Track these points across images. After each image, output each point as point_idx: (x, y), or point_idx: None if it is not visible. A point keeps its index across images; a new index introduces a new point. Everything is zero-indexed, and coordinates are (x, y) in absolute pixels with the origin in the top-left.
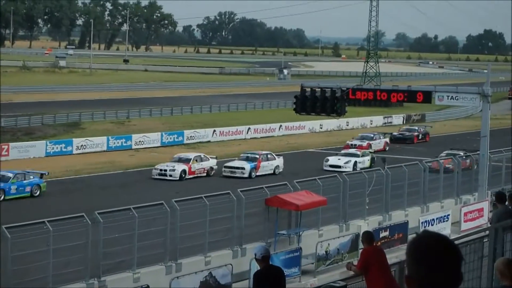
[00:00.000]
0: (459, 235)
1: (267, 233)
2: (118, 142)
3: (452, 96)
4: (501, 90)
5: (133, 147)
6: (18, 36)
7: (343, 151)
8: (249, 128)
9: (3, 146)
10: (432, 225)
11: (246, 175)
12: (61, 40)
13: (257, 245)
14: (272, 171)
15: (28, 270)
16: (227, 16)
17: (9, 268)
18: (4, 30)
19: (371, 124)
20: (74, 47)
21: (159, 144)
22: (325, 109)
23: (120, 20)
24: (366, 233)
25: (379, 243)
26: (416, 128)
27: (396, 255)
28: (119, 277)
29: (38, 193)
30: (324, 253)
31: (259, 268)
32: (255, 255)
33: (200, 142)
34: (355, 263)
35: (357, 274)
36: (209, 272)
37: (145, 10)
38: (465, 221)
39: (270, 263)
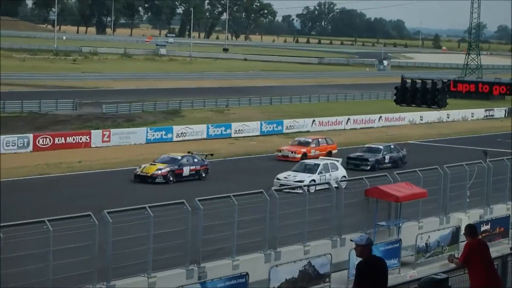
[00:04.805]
0: None
1: (367, 223)
2: (217, 130)
3: None
4: None
5: (233, 135)
6: (119, 24)
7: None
8: (348, 119)
9: (104, 132)
10: None
11: None
12: (161, 28)
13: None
14: None
15: (128, 254)
16: (326, 6)
17: (109, 253)
18: (106, 18)
19: (472, 116)
20: (174, 35)
21: (258, 133)
22: (426, 100)
23: (219, 9)
24: (469, 226)
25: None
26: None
27: (497, 249)
28: (218, 264)
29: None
30: (424, 245)
31: (355, 256)
32: (359, 240)
33: (299, 132)
34: (457, 255)
35: (459, 267)
36: (308, 261)
37: (245, 0)
38: None
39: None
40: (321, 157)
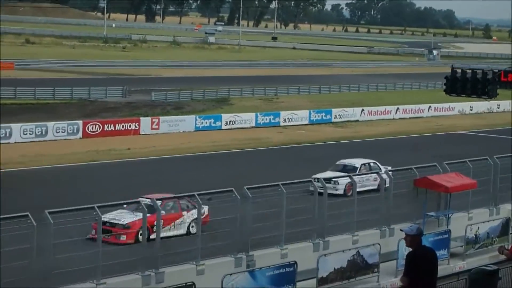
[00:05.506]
0: None
1: (415, 214)
2: (266, 119)
3: None
4: None
5: (281, 124)
6: (168, 12)
7: None
8: (397, 108)
9: (153, 120)
10: None
11: None
12: (210, 17)
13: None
14: None
15: (177, 242)
16: None
17: (158, 240)
18: (155, 6)
19: None
20: (223, 23)
21: (307, 122)
22: (476, 91)
23: None
24: None
25: None
26: None
27: None
28: (266, 252)
29: None
30: (474, 236)
31: (405, 246)
32: (409, 230)
33: (348, 121)
34: (507, 247)
35: (509, 258)
36: (357, 251)
37: None
38: None
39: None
40: None
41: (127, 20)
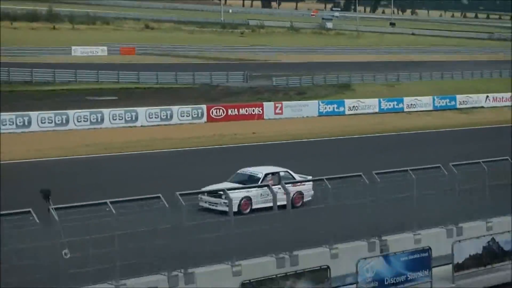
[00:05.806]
0: None
1: None
2: (389, 105)
3: None
4: None
5: (405, 110)
6: None
7: None
8: None
9: (276, 105)
10: None
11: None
12: (326, 2)
13: None
14: None
15: (313, 224)
16: None
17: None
18: None
19: None
20: (339, 9)
21: (431, 108)
22: None
23: None
24: None
25: None
26: None
27: None
28: (400, 237)
29: None
30: None
31: None
32: None
33: (473, 108)
34: None
35: None
36: (492, 238)
37: None
38: None
39: None
40: None
41: (243, 5)
